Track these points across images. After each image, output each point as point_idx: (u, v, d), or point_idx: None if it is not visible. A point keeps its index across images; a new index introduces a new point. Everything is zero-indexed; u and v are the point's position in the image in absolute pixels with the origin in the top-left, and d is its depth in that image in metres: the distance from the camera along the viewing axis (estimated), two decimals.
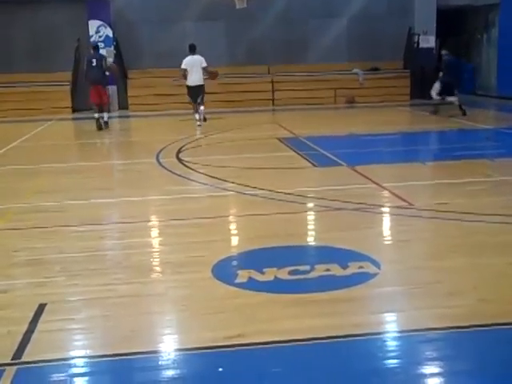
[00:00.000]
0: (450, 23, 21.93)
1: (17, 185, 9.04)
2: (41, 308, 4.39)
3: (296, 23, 20.86)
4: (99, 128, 15.10)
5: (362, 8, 20.88)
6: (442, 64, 16.48)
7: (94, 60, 15.20)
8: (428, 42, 20.98)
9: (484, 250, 5.47)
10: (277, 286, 4.69)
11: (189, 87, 15.00)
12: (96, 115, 15.15)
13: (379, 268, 5.01)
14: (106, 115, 15.47)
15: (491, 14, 21.23)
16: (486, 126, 14.54)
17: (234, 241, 6.32)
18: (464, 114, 15.46)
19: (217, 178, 8.76)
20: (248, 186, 8.19)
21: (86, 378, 3.57)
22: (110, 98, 16.96)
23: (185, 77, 14.87)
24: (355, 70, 20.82)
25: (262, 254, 5.53)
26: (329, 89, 20.57)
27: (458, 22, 22.90)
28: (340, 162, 9.90)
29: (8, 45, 19.97)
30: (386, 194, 7.78)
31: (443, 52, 16.69)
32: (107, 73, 15.54)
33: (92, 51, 15.63)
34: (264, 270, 5.00)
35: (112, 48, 20.20)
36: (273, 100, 20.73)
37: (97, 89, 15.19)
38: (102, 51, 20.05)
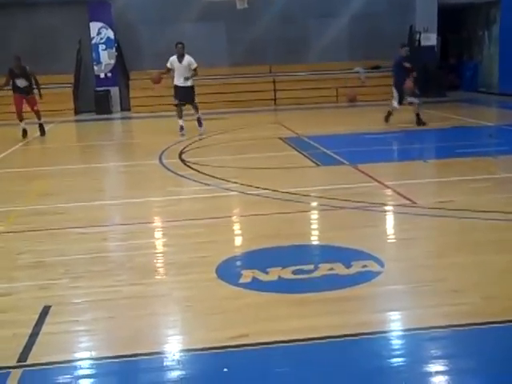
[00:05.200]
0: (451, 20, 21.92)
1: (20, 187, 9.05)
2: (45, 310, 4.40)
3: (297, 22, 20.85)
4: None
5: (362, 6, 20.85)
6: None
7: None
8: (429, 39, 20.96)
9: (488, 247, 5.47)
10: (281, 286, 4.69)
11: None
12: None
13: (383, 266, 5.01)
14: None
15: (492, 10, 21.19)
16: (488, 123, 14.52)
17: (238, 241, 6.32)
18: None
19: (220, 178, 8.76)
20: (251, 185, 8.19)
21: (92, 380, 3.58)
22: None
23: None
24: (357, 69, 20.81)
25: (265, 253, 5.53)
26: (330, 88, 20.57)
27: (460, 19, 22.89)
28: (343, 160, 9.90)
29: (9, 47, 19.97)
30: (388, 192, 7.77)
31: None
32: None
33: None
34: (268, 269, 5.00)
35: (113, 49, 20.23)
36: (274, 100, 20.73)
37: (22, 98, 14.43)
38: (104, 53, 20.26)
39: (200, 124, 14.07)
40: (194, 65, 13.60)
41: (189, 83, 13.66)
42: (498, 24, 20.82)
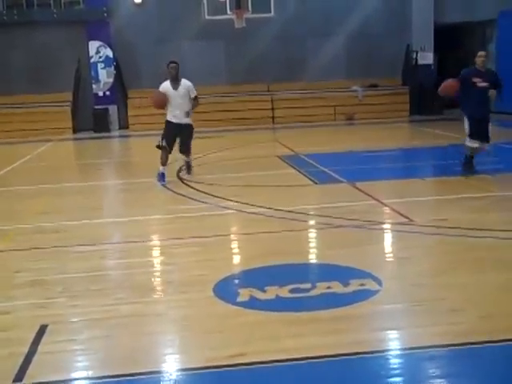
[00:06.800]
0: (448, 39, 22.07)
1: (18, 206, 9.04)
2: (42, 329, 4.38)
3: (295, 41, 21.00)
4: None
5: (360, 26, 21.01)
6: None
7: None
8: (426, 58, 21.10)
9: (485, 265, 5.46)
10: (278, 305, 4.68)
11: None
12: None
13: (380, 285, 5.01)
14: None
15: (488, 29, 21.36)
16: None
17: (236, 259, 6.32)
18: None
19: (218, 196, 8.77)
20: (249, 204, 8.20)
21: None
22: None
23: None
24: (354, 87, 20.95)
25: (263, 272, 5.52)
26: (328, 106, 20.69)
27: (456, 37, 23.05)
28: (340, 178, 9.92)
29: (8, 66, 20.09)
30: (386, 210, 7.79)
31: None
32: None
33: None
34: (265, 288, 4.99)
35: (112, 68, 20.33)
36: (273, 118, 20.82)
37: None
38: (103, 71, 20.35)
39: (189, 170, 10.70)
40: (195, 92, 10.16)
41: (188, 120, 10.25)
42: (494, 42, 20.97)
